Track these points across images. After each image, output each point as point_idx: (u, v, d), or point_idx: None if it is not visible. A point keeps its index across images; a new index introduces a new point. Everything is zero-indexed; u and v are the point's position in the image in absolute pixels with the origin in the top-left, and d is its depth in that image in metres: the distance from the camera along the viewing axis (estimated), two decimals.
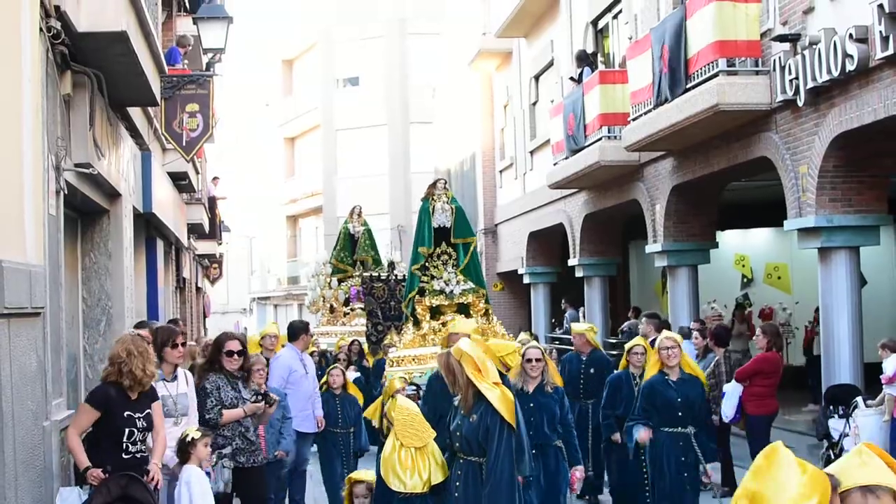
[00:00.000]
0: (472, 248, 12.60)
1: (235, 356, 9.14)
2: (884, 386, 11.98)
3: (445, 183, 12.95)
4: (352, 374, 14.52)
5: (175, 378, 8.57)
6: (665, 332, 10.30)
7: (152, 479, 7.48)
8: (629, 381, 11.50)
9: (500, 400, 7.46)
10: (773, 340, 12.80)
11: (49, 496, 7.71)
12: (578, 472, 9.65)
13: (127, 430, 7.38)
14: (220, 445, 8.94)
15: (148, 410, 7.59)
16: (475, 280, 12.55)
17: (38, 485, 7.54)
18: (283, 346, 12.66)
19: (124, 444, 7.38)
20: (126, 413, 7.38)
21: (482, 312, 12.42)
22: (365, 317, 17.73)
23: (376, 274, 16.90)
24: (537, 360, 9.60)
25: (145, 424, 7.52)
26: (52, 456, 7.97)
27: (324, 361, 15.91)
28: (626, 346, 11.88)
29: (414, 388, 10.71)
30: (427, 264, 12.40)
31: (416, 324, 12.28)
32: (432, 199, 12.53)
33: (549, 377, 9.67)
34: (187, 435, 8.09)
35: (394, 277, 15.90)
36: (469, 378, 7.49)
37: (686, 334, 15.83)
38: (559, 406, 9.58)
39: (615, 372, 12.14)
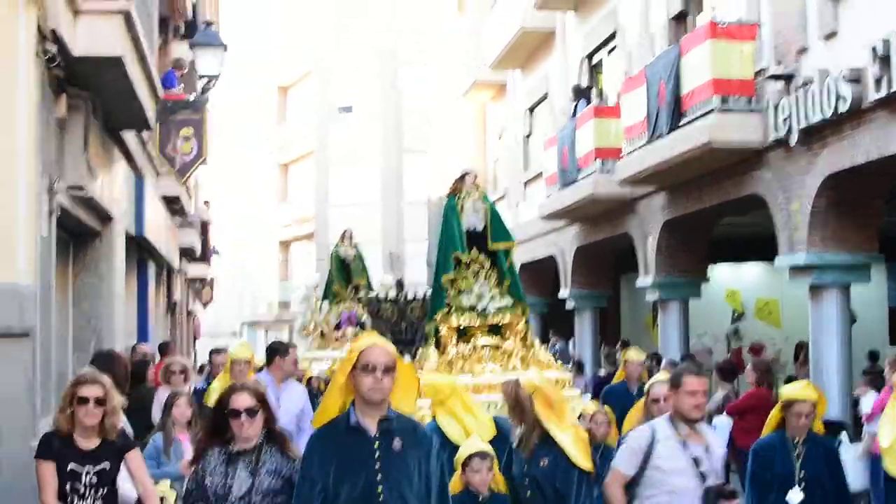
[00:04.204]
0: (511, 256, 10.46)
1: (244, 417, 5.73)
2: (864, 423, 12.04)
3: (476, 177, 10.62)
4: None
5: None
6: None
7: None
8: (785, 446, 7.66)
9: (575, 443, 6.57)
10: (762, 377, 12.83)
11: None
12: None
13: (68, 485, 6.25)
14: None
15: (104, 465, 6.37)
16: (514, 294, 10.30)
17: None
18: (258, 370, 10.56)
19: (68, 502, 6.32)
20: (70, 467, 6.27)
21: (521, 335, 10.19)
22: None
23: (383, 295, 15.35)
24: (666, 400, 7.11)
25: (95, 480, 6.31)
26: None
27: (323, 386, 15.48)
28: (786, 396, 7.78)
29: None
30: (455, 275, 10.23)
31: (439, 347, 10.12)
32: (459, 196, 10.37)
33: None
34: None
35: (403, 297, 14.52)
36: (537, 417, 6.61)
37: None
38: None
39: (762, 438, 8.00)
